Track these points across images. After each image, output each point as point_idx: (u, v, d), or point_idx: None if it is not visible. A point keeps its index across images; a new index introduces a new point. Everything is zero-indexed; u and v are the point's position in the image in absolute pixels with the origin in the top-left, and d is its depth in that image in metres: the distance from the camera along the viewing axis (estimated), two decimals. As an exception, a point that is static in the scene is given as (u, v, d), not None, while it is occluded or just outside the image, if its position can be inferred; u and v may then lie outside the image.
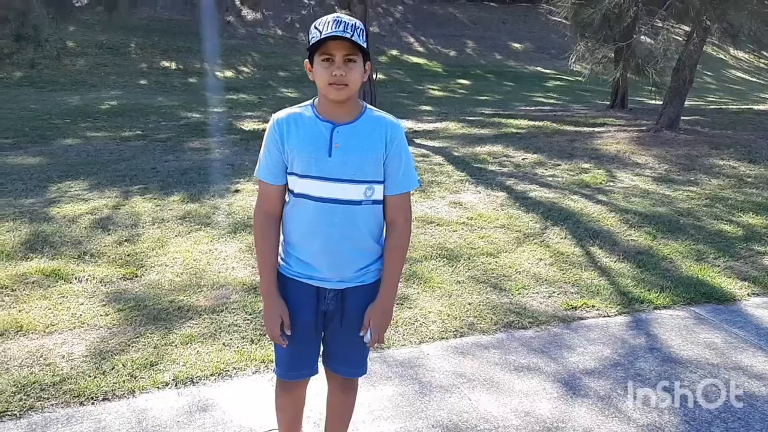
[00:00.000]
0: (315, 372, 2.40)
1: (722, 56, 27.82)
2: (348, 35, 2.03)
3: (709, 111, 14.14)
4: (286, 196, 2.25)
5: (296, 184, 2.19)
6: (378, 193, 2.21)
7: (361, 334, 2.28)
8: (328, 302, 2.27)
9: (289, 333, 2.25)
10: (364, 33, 2.10)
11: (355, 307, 2.28)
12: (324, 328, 2.34)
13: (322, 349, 2.42)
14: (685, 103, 10.78)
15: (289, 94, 16.28)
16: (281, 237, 2.30)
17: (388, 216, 2.27)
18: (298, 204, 2.20)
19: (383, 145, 2.18)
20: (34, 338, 3.64)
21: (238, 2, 21.45)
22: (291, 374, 2.39)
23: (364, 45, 2.08)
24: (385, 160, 2.19)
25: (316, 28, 2.08)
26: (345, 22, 2.06)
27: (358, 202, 2.18)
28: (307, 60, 2.17)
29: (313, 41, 2.07)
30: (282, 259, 2.30)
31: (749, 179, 7.67)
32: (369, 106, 2.25)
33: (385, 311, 2.29)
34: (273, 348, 2.42)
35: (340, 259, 2.22)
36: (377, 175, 2.19)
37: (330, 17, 2.08)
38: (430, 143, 9.88)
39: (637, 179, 7.64)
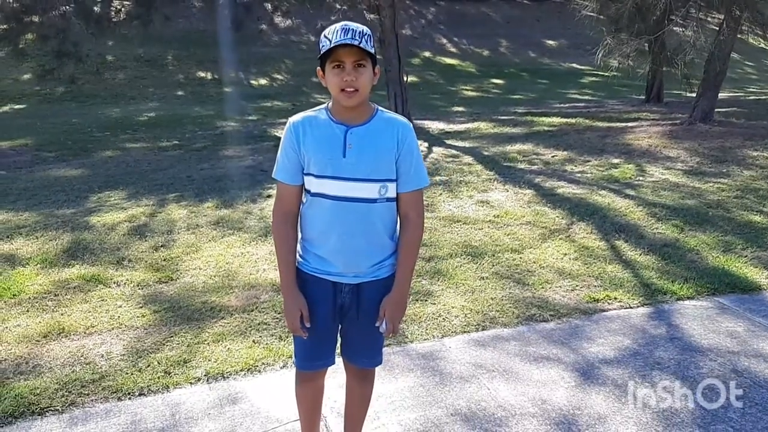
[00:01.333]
0: (332, 362, 2.51)
1: (764, 46, 27.19)
2: (356, 42, 2.14)
3: (746, 102, 13.92)
4: (303, 196, 2.37)
5: (313, 184, 2.30)
6: (392, 191, 2.32)
7: (377, 324, 2.39)
8: (344, 296, 2.38)
9: (308, 325, 2.37)
10: (371, 39, 2.21)
11: (370, 300, 2.39)
12: (341, 321, 2.46)
13: (339, 341, 2.54)
14: (722, 94, 10.65)
15: (321, 100, 16.28)
16: (299, 235, 2.42)
17: (401, 212, 2.38)
18: (315, 203, 2.32)
19: (395, 145, 2.29)
20: (75, 339, 3.84)
21: (270, 10, 21.78)
22: (309, 365, 2.50)
23: (372, 51, 2.19)
24: (397, 158, 2.30)
25: (325, 36, 2.19)
26: (353, 29, 2.16)
27: (374, 200, 2.29)
28: (319, 68, 2.27)
29: (323, 50, 2.18)
30: (300, 255, 2.42)
31: (783, 169, 7.57)
32: (380, 108, 2.36)
33: (398, 303, 2.39)
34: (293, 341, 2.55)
35: (356, 255, 2.33)
36: (390, 173, 2.30)
37: (338, 25, 2.19)
38: (461, 143, 9.96)
39: (668, 173, 7.60)
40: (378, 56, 2.29)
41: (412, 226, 2.38)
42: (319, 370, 2.54)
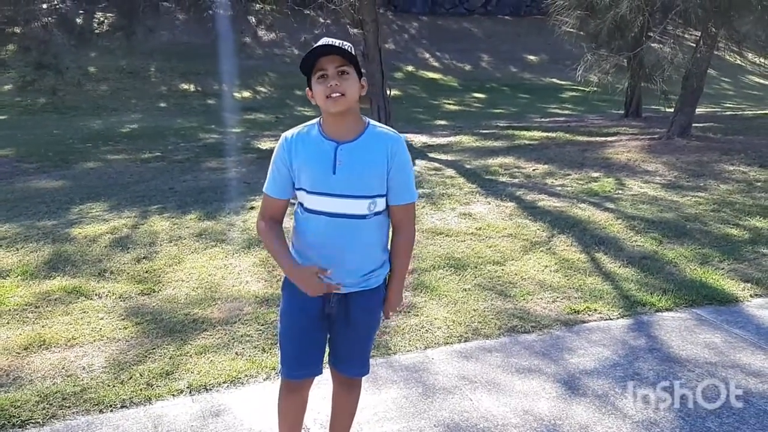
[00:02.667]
0: (319, 372, 2.52)
1: (740, 62, 27.65)
2: (336, 44, 2.19)
3: (723, 117, 14.16)
4: (299, 209, 2.39)
5: (305, 200, 2.34)
6: (380, 205, 2.35)
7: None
8: (332, 306, 2.41)
9: (329, 273, 2.27)
10: (354, 51, 2.25)
11: (358, 310, 2.42)
12: (329, 330, 2.48)
13: (327, 351, 2.56)
14: (700, 109, 10.83)
15: (305, 113, 16.51)
16: (291, 246, 2.44)
17: (395, 222, 2.43)
18: (309, 218, 2.35)
19: (386, 160, 2.30)
20: (57, 351, 3.82)
21: (254, 23, 21.81)
22: (296, 373, 2.49)
23: (354, 57, 2.23)
24: (389, 173, 2.32)
25: (307, 54, 2.22)
26: (332, 41, 2.22)
27: (363, 216, 2.32)
28: (307, 88, 2.30)
29: (307, 63, 2.22)
30: None
31: (758, 183, 7.71)
32: (372, 122, 2.37)
33: (395, 292, 2.49)
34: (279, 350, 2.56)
35: (346, 268, 2.35)
36: (380, 189, 2.32)
37: (319, 42, 2.24)
38: (443, 157, 10.03)
39: (646, 186, 7.71)
40: (362, 70, 2.32)
41: (406, 230, 2.46)
42: (305, 380, 2.54)
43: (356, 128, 2.31)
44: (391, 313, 2.54)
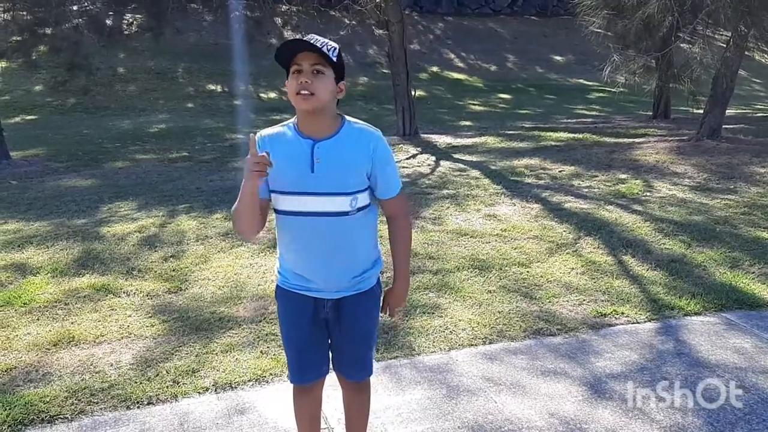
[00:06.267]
0: (326, 372, 2.52)
1: (771, 63, 27.21)
2: (316, 45, 2.13)
3: (754, 119, 13.93)
4: (276, 215, 2.34)
5: (279, 202, 2.29)
6: (362, 200, 2.30)
7: (381, 314, 2.46)
8: (327, 311, 2.38)
9: (272, 163, 2.14)
10: (337, 52, 2.20)
11: (352, 314, 2.39)
12: (329, 335, 2.46)
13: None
14: (730, 111, 10.66)
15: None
16: (277, 250, 2.43)
17: (388, 215, 2.42)
18: (286, 221, 2.30)
19: (368, 156, 2.27)
20: (85, 348, 3.87)
21: (280, 24, 21.93)
22: (302, 377, 2.50)
23: (333, 59, 2.17)
24: (372, 169, 2.28)
25: (279, 47, 2.18)
26: (316, 38, 2.17)
27: (345, 213, 2.27)
28: (286, 81, 2.24)
29: (277, 57, 2.17)
30: (279, 272, 2.43)
31: (791, 186, 7.57)
32: (349, 118, 2.32)
33: (398, 292, 2.44)
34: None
35: (334, 271, 2.32)
36: (360, 185, 2.28)
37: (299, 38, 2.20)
38: (468, 158, 10.00)
39: (675, 189, 7.61)
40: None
41: (401, 222, 2.43)
42: (313, 383, 2.54)
43: (332, 125, 2.26)
44: (397, 311, 2.49)
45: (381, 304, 2.49)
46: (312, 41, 2.15)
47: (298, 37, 2.20)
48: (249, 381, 3.49)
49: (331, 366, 2.55)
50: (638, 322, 4.18)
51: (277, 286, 2.44)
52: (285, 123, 2.33)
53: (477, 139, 11.88)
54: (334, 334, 2.44)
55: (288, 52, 2.16)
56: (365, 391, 2.66)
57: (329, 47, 2.17)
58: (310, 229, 2.28)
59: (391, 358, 3.69)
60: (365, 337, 2.49)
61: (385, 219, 2.46)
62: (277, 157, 2.18)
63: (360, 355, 2.51)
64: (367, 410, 2.70)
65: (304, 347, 2.44)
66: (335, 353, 2.51)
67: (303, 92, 2.15)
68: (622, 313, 4.29)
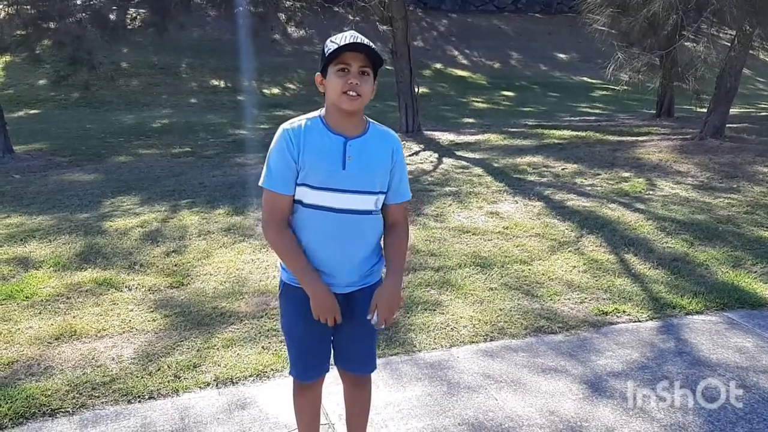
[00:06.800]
0: (327, 369, 2.54)
1: (776, 62, 27.13)
2: (365, 42, 2.17)
3: (758, 118, 13.89)
4: (296, 206, 2.32)
5: (307, 195, 2.27)
6: (381, 201, 2.36)
7: (368, 317, 2.34)
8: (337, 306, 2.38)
9: (340, 320, 2.32)
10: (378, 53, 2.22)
11: (361, 308, 2.39)
12: (333, 331, 2.44)
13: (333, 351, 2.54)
14: (734, 110, 10.63)
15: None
16: None
17: (391, 220, 2.40)
18: (312, 215, 2.28)
19: (390, 158, 2.32)
20: (87, 342, 3.88)
21: (284, 20, 21.91)
22: (306, 375, 2.51)
23: (380, 60, 2.21)
24: (392, 171, 2.33)
25: (332, 41, 2.19)
26: (362, 38, 2.18)
27: (369, 212, 2.31)
28: (318, 73, 2.26)
29: (329, 52, 2.17)
30: (284, 269, 2.41)
31: (794, 186, 7.56)
32: (370, 119, 2.36)
33: (390, 293, 2.33)
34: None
35: (352, 266, 2.34)
36: (384, 186, 2.33)
37: (347, 33, 2.20)
38: (471, 155, 9.99)
39: (678, 187, 7.60)
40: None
41: (401, 228, 2.43)
42: (316, 381, 2.56)
43: (361, 124, 2.30)
44: (385, 319, 2.33)
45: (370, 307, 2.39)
46: (360, 39, 2.17)
47: (351, 36, 2.18)
48: (250, 376, 3.50)
49: (332, 362, 2.55)
50: (640, 321, 4.18)
51: (284, 283, 2.42)
52: (309, 116, 2.30)
53: (480, 137, 11.86)
54: (341, 330, 2.43)
55: (339, 50, 2.16)
56: (367, 386, 2.66)
57: (374, 49, 2.19)
58: (335, 224, 2.27)
59: (391, 355, 3.70)
60: (372, 330, 2.49)
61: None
62: (309, 151, 2.21)
63: (367, 349, 2.53)
64: (368, 406, 2.70)
65: (309, 344, 2.44)
66: (340, 348, 2.52)
67: (351, 93, 2.18)
68: (624, 312, 4.28)
